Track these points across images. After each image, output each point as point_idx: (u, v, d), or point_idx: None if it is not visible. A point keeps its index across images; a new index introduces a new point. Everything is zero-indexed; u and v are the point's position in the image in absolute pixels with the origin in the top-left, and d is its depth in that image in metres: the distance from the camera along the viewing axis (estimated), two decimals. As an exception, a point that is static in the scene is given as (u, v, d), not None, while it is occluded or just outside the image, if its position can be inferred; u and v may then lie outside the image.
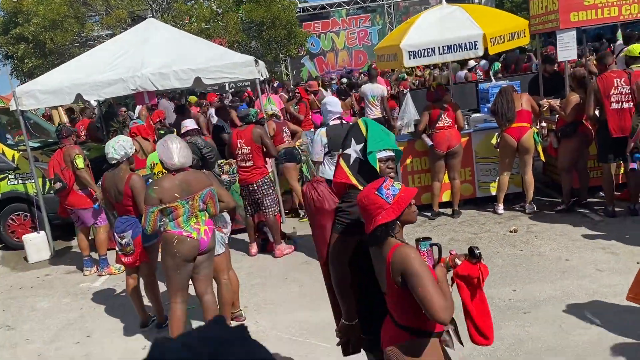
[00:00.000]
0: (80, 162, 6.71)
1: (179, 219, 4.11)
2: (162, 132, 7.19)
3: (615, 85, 6.13)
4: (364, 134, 2.80)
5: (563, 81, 8.01)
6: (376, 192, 2.37)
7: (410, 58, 6.90)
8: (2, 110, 9.78)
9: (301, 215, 8.21)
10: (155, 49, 7.97)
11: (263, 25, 18.69)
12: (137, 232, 4.66)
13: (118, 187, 4.77)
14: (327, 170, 6.02)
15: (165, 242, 4.12)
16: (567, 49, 6.92)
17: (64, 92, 7.55)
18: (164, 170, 5.65)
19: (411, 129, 9.35)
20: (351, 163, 2.77)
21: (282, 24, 18.97)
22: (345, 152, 2.81)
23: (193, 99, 11.87)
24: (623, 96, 6.12)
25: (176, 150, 4.13)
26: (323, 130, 6.04)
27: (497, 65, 11.59)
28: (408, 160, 7.63)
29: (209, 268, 4.26)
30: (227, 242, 4.78)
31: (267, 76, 8.87)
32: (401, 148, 7.53)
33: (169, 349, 0.70)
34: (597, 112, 6.37)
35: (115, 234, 4.83)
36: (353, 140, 2.81)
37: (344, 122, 6.08)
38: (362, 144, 2.78)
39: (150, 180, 5.56)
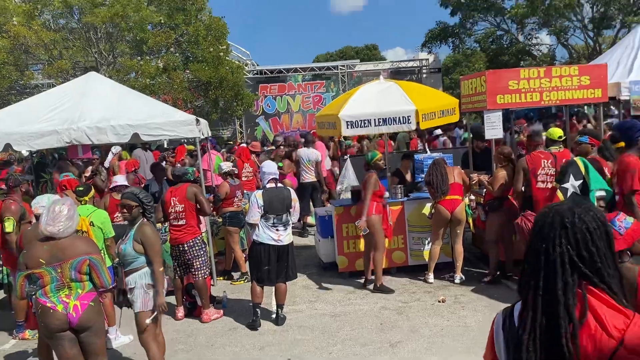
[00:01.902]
0: (9, 226, 6.14)
1: (46, 287, 3.84)
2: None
3: (543, 165, 6.51)
4: (583, 172, 3.30)
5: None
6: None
7: (347, 127, 7.15)
8: None
9: (235, 278, 8.06)
10: (94, 102, 7.86)
11: (210, 84, 18.87)
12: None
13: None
14: (262, 233, 6.01)
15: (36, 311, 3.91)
16: (493, 128, 7.36)
17: (-8, 140, 7.26)
18: (83, 229, 5.47)
19: (349, 194, 9.55)
20: (568, 196, 3.28)
21: (230, 85, 19.23)
22: (562, 185, 3.25)
23: (125, 154, 11.70)
24: (549, 177, 6.50)
25: (51, 218, 3.85)
26: (259, 192, 6.09)
27: (466, 134, 12.20)
28: (344, 226, 7.71)
29: (96, 343, 3.95)
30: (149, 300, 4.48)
31: (210, 135, 8.89)
32: (338, 213, 7.70)
33: None
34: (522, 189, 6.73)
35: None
36: (572, 176, 3.38)
37: (279, 184, 6.16)
38: (581, 181, 3.28)
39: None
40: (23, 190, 6.49)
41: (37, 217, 4.71)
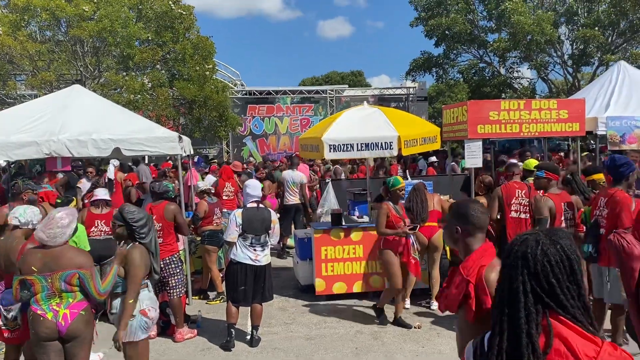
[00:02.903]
0: None
1: (38, 295, 3.84)
2: (58, 201, 6.82)
3: (517, 195, 6.63)
4: None
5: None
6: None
7: (330, 151, 7.20)
8: None
9: (210, 297, 7.97)
10: (76, 115, 7.82)
11: (195, 103, 18.89)
12: (26, 306, 4.31)
13: (10, 256, 4.43)
14: (239, 253, 5.97)
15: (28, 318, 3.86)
16: (473, 157, 7.47)
17: (-31, 149, 7.15)
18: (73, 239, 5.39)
19: (329, 217, 9.57)
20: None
21: (214, 105, 19.26)
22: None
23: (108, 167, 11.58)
24: (522, 207, 6.61)
25: (45, 223, 3.89)
26: (239, 211, 6.07)
27: (464, 162, 12.34)
28: (323, 248, 7.71)
29: (76, 357, 3.88)
30: (151, 328, 4.31)
31: (192, 152, 8.89)
32: (318, 236, 7.68)
33: None
34: (498, 217, 6.82)
35: (2, 306, 4.38)
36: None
37: (260, 206, 6.14)
38: None
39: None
40: (25, 199, 6.37)
41: (14, 227, 4.62)
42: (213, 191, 8.16)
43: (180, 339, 6.26)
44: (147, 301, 4.17)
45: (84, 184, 9.81)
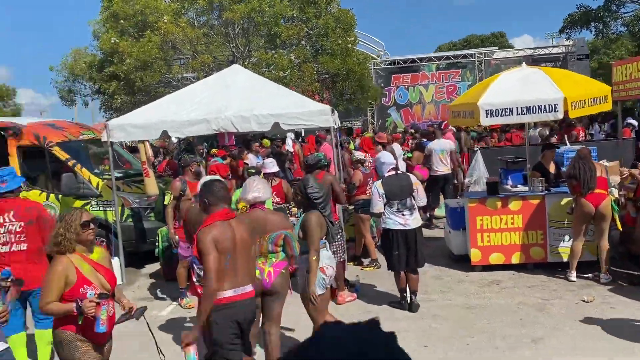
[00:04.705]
0: (166, 200, 6.96)
1: None
2: (251, 171, 7.44)
3: None
4: None
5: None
6: None
7: (487, 116, 6.93)
8: (92, 141, 10.52)
9: (364, 264, 8.22)
10: (238, 93, 8.41)
11: (337, 76, 19.22)
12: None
13: (200, 222, 4.97)
14: (388, 220, 6.12)
15: None
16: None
17: (151, 127, 8.05)
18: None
19: (480, 186, 9.27)
20: None
21: (356, 77, 19.43)
22: None
23: (267, 142, 12.31)
24: None
25: (250, 188, 4.33)
26: (379, 182, 6.22)
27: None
28: (478, 218, 7.51)
29: (276, 309, 4.30)
30: (328, 284, 4.65)
31: (339, 125, 9.13)
32: (472, 206, 7.50)
33: (320, 343, 0.79)
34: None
35: (195, 265, 4.94)
36: None
37: (399, 172, 6.23)
38: None
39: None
40: (193, 170, 7.13)
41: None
42: (367, 162, 8.31)
43: (342, 302, 6.58)
44: (326, 260, 4.51)
45: (251, 159, 10.46)
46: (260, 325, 4.44)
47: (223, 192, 3.85)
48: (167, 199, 6.92)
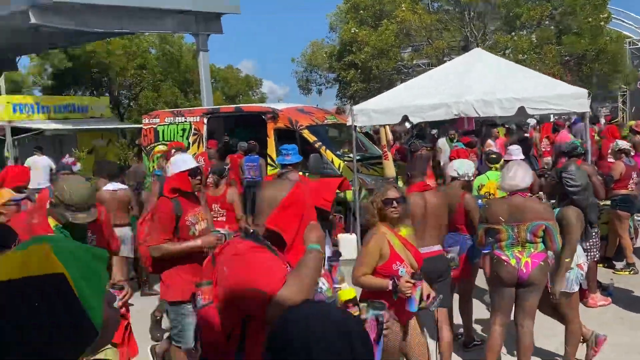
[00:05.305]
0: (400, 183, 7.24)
1: (502, 242, 4.11)
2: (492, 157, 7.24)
3: None
4: None
5: None
6: None
7: None
8: (334, 125, 11.33)
9: (617, 267, 7.34)
10: (480, 77, 8.15)
11: (584, 58, 17.40)
12: (463, 249, 4.81)
13: (451, 204, 4.97)
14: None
15: (490, 261, 4.18)
16: None
17: (392, 112, 8.30)
18: (491, 192, 5.78)
19: None
20: None
21: (607, 58, 17.34)
22: None
23: (502, 131, 11.75)
24: None
25: (511, 173, 4.15)
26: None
27: None
28: None
29: (530, 301, 4.11)
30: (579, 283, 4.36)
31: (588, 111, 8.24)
32: None
33: None
34: None
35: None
36: None
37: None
38: None
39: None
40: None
41: (452, 179, 5.15)
42: (633, 152, 7.34)
43: (594, 305, 5.98)
44: (582, 257, 4.16)
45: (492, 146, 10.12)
46: (512, 317, 4.27)
47: (422, 168, 4.79)
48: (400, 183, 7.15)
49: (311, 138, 9.93)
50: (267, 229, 2.07)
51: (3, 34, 16.56)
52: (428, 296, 3.30)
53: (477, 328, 5.40)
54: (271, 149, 10.30)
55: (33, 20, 13.49)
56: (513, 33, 16.93)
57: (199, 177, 4.10)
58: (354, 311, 2.24)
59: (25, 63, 26.86)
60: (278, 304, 1.79)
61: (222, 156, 10.57)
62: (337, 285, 2.58)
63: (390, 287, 3.21)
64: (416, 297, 3.18)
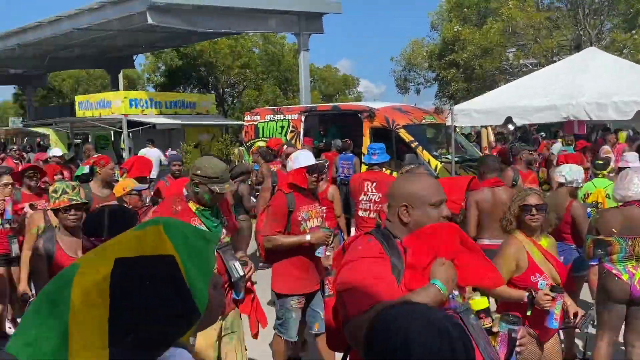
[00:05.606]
0: None
1: (613, 255, 3.80)
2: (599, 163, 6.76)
3: None
4: None
5: None
6: None
7: None
8: (431, 125, 11.09)
9: None
10: (594, 77, 7.65)
11: None
12: (569, 260, 4.51)
13: (557, 211, 4.68)
14: None
15: (598, 274, 3.89)
16: None
17: (496, 113, 7.98)
18: (598, 200, 5.39)
19: None
20: None
21: None
22: None
23: (622, 136, 10.83)
24: None
25: (625, 182, 3.84)
26: None
27: None
28: None
29: None
30: None
31: None
32: None
33: None
34: None
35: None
36: None
37: None
38: None
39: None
40: (523, 159, 6.84)
41: (559, 185, 4.84)
42: None
43: None
44: None
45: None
46: (620, 335, 3.95)
47: (494, 165, 5.08)
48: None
49: (407, 137, 9.79)
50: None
51: (123, 34, 17.94)
52: (575, 314, 3.02)
53: (579, 344, 5.06)
54: (366, 148, 10.28)
55: (150, 21, 14.47)
56: (633, 31, 15.64)
57: (315, 175, 4.08)
58: (486, 322, 2.12)
59: (140, 61, 28.94)
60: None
61: (316, 155, 10.71)
62: (469, 294, 2.46)
63: (525, 299, 2.99)
64: (556, 312, 2.92)
